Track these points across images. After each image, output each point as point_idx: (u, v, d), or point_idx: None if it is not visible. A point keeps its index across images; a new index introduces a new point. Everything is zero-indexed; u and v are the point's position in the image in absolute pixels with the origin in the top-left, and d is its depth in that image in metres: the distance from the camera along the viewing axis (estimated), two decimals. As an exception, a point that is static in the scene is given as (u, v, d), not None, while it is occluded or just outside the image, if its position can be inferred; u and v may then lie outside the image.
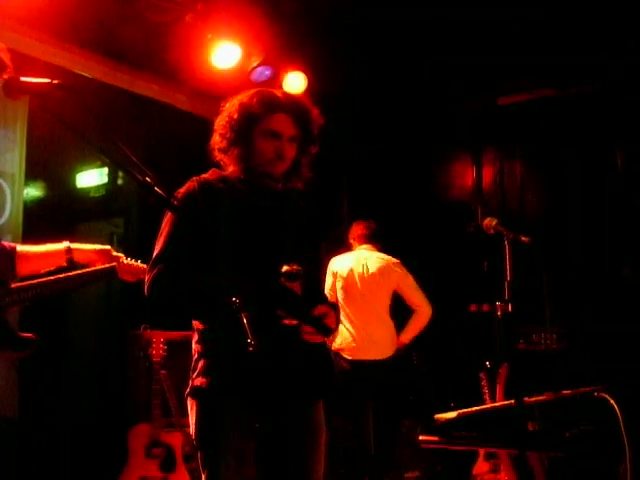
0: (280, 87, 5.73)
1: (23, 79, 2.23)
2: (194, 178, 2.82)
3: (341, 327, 5.42)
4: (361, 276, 5.65)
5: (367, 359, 5.54)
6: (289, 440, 2.71)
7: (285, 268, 2.61)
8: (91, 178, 6.56)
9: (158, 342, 5.03)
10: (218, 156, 2.90)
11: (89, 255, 3.03)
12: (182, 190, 2.77)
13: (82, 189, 6.63)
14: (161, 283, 2.63)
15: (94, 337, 6.11)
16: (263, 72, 5.82)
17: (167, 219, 2.72)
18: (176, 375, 4.96)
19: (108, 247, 3.20)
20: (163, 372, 5.01)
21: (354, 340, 5.55)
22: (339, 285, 5.67)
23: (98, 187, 6.54)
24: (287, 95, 2.96)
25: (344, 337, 5.55)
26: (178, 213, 2.59)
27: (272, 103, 2.84)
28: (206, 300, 2.62)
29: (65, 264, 2.96)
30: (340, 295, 5.64)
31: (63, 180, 6.59)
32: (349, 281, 5.65)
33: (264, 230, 2.76)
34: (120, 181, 6.53)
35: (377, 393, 5.65)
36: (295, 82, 5.98)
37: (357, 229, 5.91)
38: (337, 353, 5.46)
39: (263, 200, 2.85)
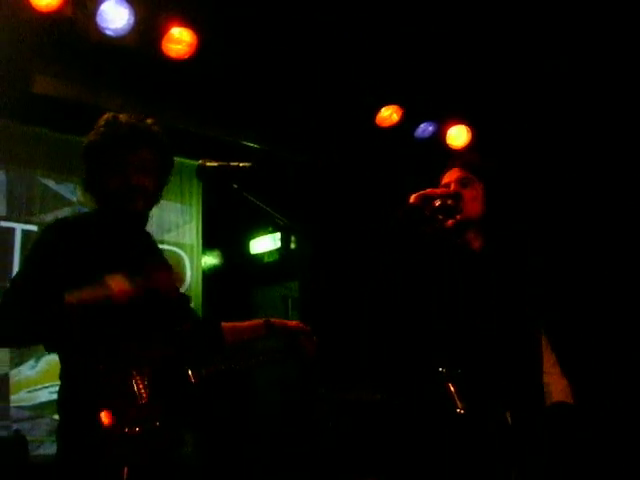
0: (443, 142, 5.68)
1: (214, 164, 2.37)
2: None
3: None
4: None
5: None
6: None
7: None
8: (264, 244, 6.72)
9: (341, 404, 5.01)
10: None
11: (284, 330, 2.91)
12: None
13: (256, 255, 6.81)
14: None
15: (279, 397, 6.13)
16: (427, 128, 5.67)
17: None
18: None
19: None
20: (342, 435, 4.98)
21: None
22: None
23: (271, 252, 6.68)
24: None
25: None
26: None
27: None
28: None
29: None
30: None
31: (238, 247, 6.81)
32: None
33: None
34: (293, 245, 6.65)
35: None
36: (459, 136, 5.76)
37: None
38: None
39: None
